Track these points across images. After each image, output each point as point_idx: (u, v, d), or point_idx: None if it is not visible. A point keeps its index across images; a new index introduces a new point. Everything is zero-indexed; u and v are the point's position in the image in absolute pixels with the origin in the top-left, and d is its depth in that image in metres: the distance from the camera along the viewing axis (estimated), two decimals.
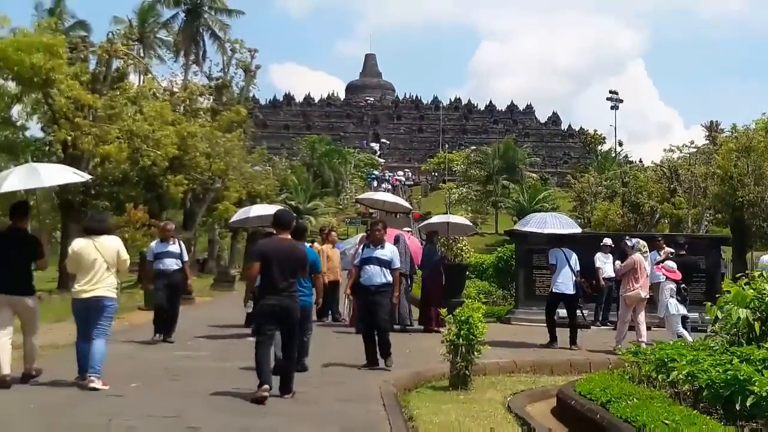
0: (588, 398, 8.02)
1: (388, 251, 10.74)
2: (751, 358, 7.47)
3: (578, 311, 16.82)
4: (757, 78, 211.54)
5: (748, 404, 6.60)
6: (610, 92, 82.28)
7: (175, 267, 12.61)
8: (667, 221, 42.77)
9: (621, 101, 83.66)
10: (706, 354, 8.08)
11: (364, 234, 15.36)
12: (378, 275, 10.45)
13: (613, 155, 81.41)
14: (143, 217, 26.41)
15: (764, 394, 6.48)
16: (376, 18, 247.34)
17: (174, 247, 12.73)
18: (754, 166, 36.31)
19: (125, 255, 9.22)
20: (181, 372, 10.09)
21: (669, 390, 7.99)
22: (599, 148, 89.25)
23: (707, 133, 56.36)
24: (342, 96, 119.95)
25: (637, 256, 13.47)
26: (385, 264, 10.54)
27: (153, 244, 13.28)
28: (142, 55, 42.84)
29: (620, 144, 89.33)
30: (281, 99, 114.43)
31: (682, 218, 41.47)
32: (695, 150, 46.90)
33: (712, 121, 59.23)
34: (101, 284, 8.80)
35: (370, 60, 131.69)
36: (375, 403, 8.25)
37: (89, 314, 8.86)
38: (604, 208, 49.40)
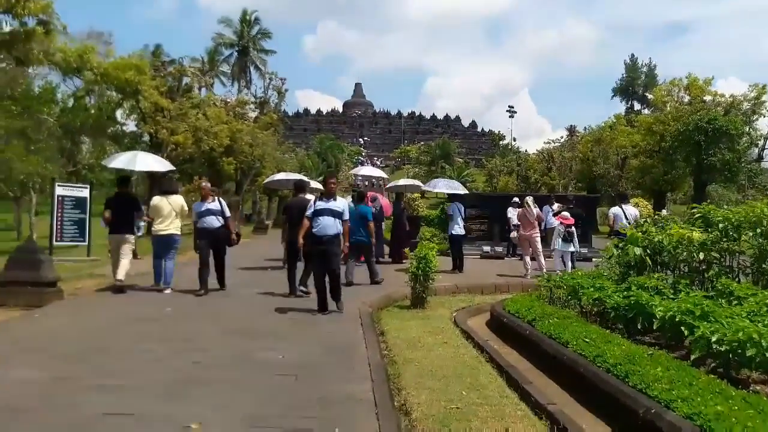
0: (516, 316, 6.49)
1: (341, 203, 7.42)
2: (646, 285, 5.95)
3: (489, 247, 15.55)
4: (598, 98, 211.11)
5: (655, 327, 5.05)
6: (508, 107, 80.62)
7: (217, 224, 8.62)
8: (545, 188, 41.53)
9: (515, 113, 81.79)
10: (608, 282, 6.56)
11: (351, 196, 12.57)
12: (331, 227, 7.15)
13: (510, 147, 79.77)
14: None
15: (667, 317, 4.93)
16: (362, 61, 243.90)
17: (214, 204, 8.68)
18: (603, 152, 35.30)
19: (186, 207, 9.09)
20: (208, 299, 8.26)
21: (577, 310, 6.48)
22: (501, 142, 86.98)
23: (568, 133, 54.72)
24: (340, 110, 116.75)
25: (521, 210, 11.85)
26: (338, 215, 7.24)
27: (195, 204, 9.03)
28: (211, 81, 40.22)
29: (514, 140, 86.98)
30: (302, 112, 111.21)
31: (555, 186, 40.23)
32: (561, 143, 46.30)
33: (571, 125, 57.36)
34: (172, 226, 8.78)
35: (358, 87, 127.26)
36: (354, 323, 6.62)
37: (163, 245, 8.79)
38: (505, 180, 48.06)
